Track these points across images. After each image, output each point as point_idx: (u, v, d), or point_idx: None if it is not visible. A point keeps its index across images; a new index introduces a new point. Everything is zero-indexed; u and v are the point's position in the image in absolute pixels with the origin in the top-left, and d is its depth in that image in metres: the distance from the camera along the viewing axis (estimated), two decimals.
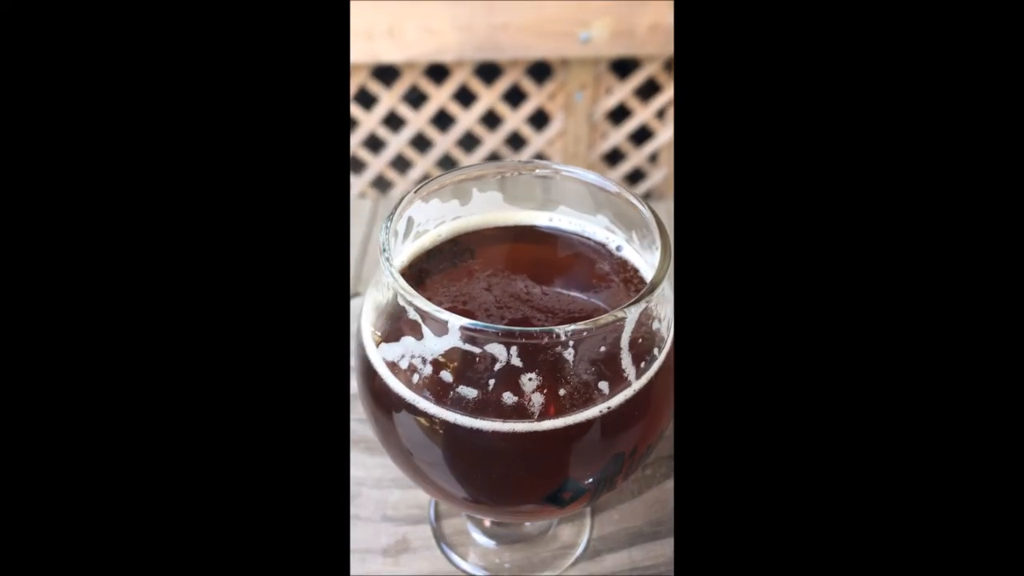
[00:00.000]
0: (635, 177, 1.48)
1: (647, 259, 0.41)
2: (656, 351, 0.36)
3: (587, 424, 0.34)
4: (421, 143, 1.48)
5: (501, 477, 0.37)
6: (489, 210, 0.44)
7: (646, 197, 1.50)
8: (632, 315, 0.33)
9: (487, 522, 0.52)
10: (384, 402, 0.37)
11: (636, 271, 0.42)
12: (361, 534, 0.51)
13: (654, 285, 0.34)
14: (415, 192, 0.40)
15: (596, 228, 0.43)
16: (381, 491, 0.54)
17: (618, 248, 0.43)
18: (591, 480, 0.37)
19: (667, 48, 1.29)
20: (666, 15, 1.27)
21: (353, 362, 0.40)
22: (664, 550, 0.50)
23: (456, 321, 0.32)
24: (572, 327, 0.31)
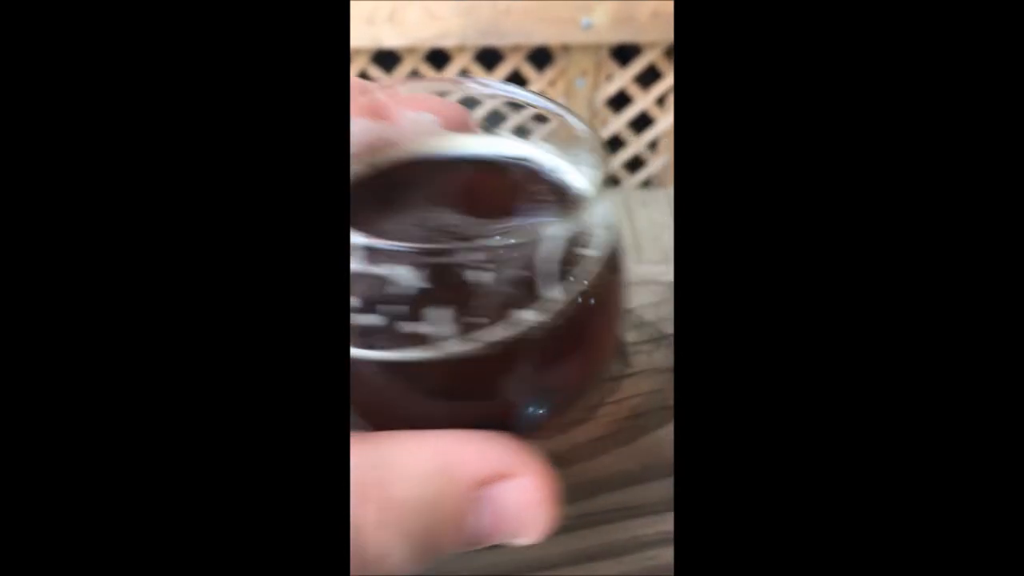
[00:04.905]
0: (635, 164, 1.46)
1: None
2: (583, 279, 0.33)
3: (510, 348, 0.32)
4: None
5: (428, 411, 0.35)
6: (422, 135, 0.41)
7: (646, 184, 1.48)
8: (552, 233, 0.30)
9: None
10: None
11: (579, 196, 0.39)
12: None
13: (582, 207, 0.31)
14: None
15: (537, 153, 0.41)
16: None
17: (555, 171, 0.40)
18: (520, 413, 0.34)
19: (668, 35, 1.28)
20: (667, 2, 1.26)
21: None
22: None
23: (360, 241, 0.30)
24: (483, 242, 0.29)
